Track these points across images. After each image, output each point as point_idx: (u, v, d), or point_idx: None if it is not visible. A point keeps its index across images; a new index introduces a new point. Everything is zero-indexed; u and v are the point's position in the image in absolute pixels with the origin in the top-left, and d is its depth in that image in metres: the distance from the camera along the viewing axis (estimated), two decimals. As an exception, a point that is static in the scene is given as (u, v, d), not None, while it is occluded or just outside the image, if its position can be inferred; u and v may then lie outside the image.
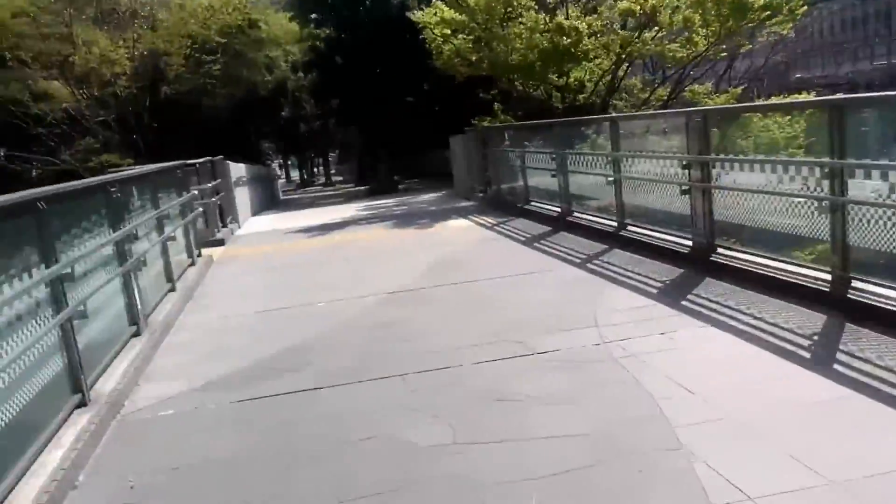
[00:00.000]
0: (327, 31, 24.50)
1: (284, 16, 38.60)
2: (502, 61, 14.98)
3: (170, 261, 7.35)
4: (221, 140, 25.32)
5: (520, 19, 15.06)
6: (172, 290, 7.31)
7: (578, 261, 7.57)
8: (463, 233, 10.34)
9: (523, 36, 14.62)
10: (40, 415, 3.75)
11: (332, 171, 53.79)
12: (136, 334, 5.66)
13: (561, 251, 8.17)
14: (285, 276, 8.39)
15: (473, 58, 16.33)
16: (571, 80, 16.45)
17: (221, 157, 13.43)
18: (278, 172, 38.23)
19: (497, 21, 15.18)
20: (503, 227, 10.37)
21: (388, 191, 23.84)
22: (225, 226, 12.81)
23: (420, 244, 9.66)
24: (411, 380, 4.49)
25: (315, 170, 61.73)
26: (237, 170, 15.48)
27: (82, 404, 4.14)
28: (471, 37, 16.11)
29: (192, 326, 6.41)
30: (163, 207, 7.46)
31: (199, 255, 9.60)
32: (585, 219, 9.25)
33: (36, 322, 3.81)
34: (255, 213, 17.88)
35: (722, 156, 6.47)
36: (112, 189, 5.58)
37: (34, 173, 20.69)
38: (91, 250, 4.79)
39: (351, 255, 9.33)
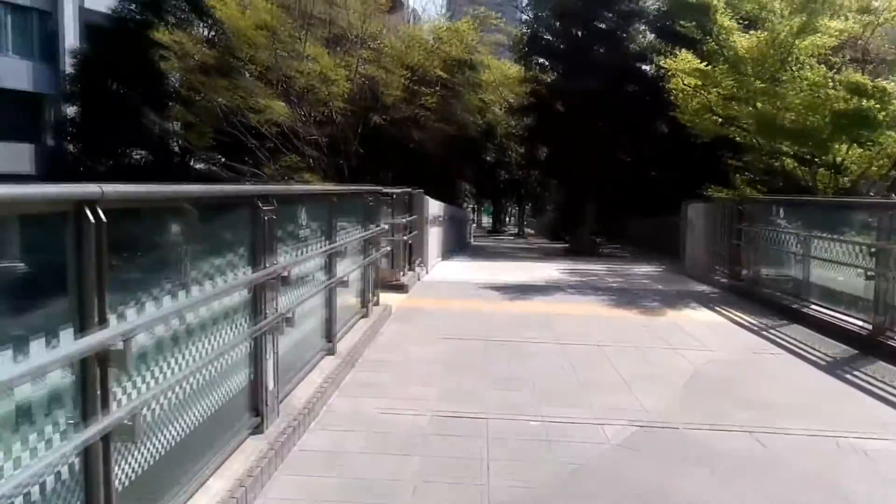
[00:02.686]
0: (552, 77, 22.72)
1: (504, 63, 37.92)
2: (769, 122, 11.94)
3: (334, 314, 5.42)
4: (421, 174, 24.30)
5: (798, 73, 12.00)
6: (330, 352, 5.34)
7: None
8: (718, 332, 7.52)
9: (803, 93, 11.53)
10: None
11: (524, 224, 52.37)
12: (257, 430, 3.66)
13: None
14: (479, 357, 6.14)
15: (727, 114, 13.47)
16: (851, 157, 13.03)
17: (421, 190, 11.76)
18: (471, 216, 37.13)
19: (768, 74, 12.23)
20: (776, 335, 7.39)
21: (588, 253, 21.26)
22: (412, 268, 11.02)
23: (660, 340, 7.03)
24: None
25: (507, 219, 60.72)
26: (434, 207, 13.82)
27: None
28: (726, 91, 13.28)
29: (342, 422, 4.30)
30: (339, 242, 5.58)
31: (377, 303, 7.73)
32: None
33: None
34: (445, 256, 16.16)
35: None
36: (265, 207, 3.68)
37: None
38: (199, 300, 2.85)
39: (565, 338, 6.91)
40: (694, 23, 12.36)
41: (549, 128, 22.78)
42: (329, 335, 5.36)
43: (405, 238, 10.01)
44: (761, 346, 6.89)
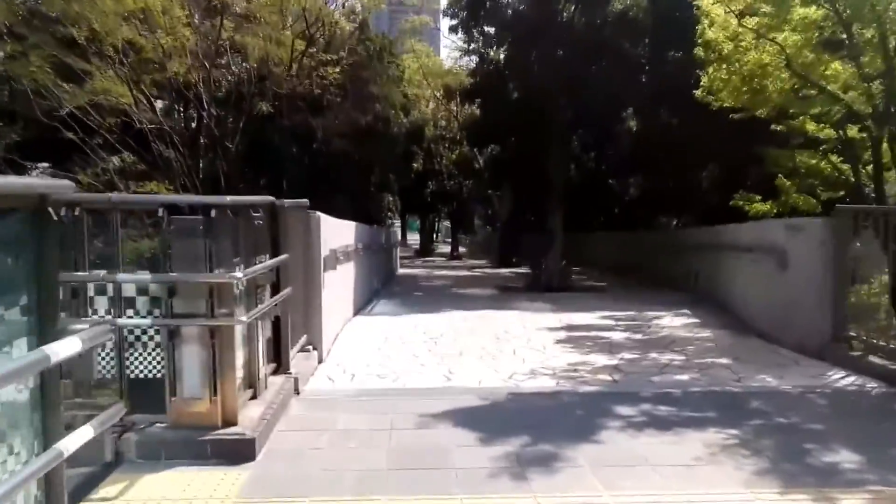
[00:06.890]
0: (502, 50, 17.47)
1: (428, 50, 32.76)
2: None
3: None
4: (332, 184, 18.66)
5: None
6: None
7: None
8: None
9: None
10: None
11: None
12: None
13: None
14: None
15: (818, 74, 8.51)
16: None
17: (305, 201, 6.13)
18: (398, 237, 31.40)
19: None
20: None
21: (558, 287, 15.73)
22: (283, 367, 5.34)
23: None
24: None
25: (435, 235, 55.34)
26: (338, 233, 8.18)
27: None
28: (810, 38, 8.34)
29: None
30: None
31: None
32: None
33: None
34: (361, 307, 10.55)
35: None
36: None
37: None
38: None
39: None
40: None
41: (499, 119, 17.44)
42: None
43: (255, 314, 4.34)
44: None
